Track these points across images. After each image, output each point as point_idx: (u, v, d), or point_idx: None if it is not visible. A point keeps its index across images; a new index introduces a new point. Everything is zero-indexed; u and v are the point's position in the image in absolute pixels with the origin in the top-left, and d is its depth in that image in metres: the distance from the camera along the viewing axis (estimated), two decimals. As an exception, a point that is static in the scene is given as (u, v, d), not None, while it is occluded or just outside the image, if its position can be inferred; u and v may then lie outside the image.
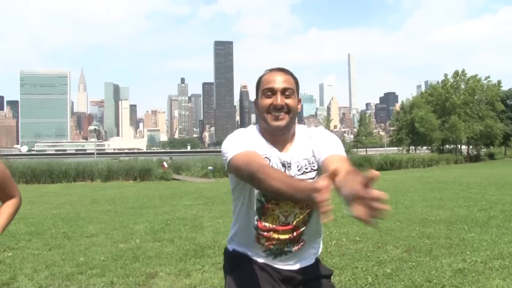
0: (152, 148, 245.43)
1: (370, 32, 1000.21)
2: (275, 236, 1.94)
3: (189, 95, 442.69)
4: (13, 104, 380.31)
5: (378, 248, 5.72)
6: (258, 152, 1.81)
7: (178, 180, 26.10)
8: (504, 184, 15.53)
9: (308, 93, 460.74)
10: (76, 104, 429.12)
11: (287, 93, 1.87)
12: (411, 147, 57.23)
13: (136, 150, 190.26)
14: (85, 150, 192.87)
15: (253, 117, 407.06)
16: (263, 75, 1.96)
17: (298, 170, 1.93)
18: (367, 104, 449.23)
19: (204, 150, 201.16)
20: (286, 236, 1.94)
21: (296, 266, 2.00)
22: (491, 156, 57.68)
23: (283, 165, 1.92)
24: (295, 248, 1.97)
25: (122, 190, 18.64)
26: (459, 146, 57.79)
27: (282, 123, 1.86)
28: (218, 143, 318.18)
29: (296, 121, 1.99)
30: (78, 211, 10.92)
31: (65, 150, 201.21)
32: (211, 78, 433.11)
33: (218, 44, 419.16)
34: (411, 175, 25.57)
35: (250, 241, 1.97)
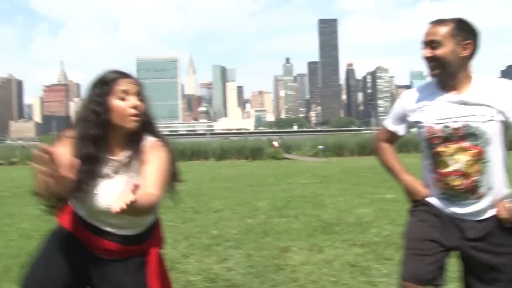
0: (259, 128, 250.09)
1: (487, 1, 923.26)
2: (448, 182, 2.04)
3: (294, 74, 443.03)
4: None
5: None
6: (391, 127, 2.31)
7: (289, 159, 26.40)
8: None
9: (417, 69, 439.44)
10: (186, 87, 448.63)
11: (433, 45, 2.01)
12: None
13: (244, 130, 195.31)
14: (196, 130, 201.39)
15: (360, 95, 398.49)
16: None
17: (473, 112, 1.99)
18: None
19: (311, 129, 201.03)
20: (458, 183, 2.01)
21: (473, 217, 2.07)
22: None
23: (456, 102, 2.03)
24: (471, 199, 2.03)
25: (236, 168, 19.26)
26: None
27: (434, 72, 2.04)
28: (325, 122, 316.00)
29: (469, 68, 2.06)
30: (200, 187, 11.48)
31: (178, 131, 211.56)
32: (316, 57, 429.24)
33: (322, 22, 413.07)
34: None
35: (430, 183, 2.16)
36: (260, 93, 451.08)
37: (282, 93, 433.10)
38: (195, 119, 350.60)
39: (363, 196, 8.73)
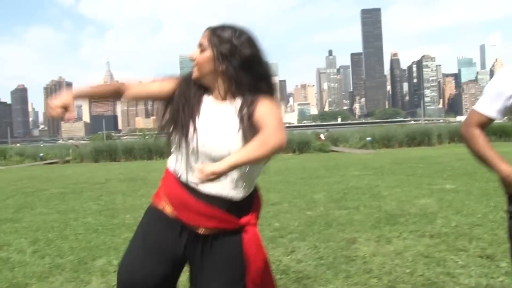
0: (302, 122, 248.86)
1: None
2: None
3: (337, 67, 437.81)
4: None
5: None
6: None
7: (336, 151, 26.14)
8: None
9: (466, 56, 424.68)
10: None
11: None
12: None
13: (287, 124, 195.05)
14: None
15: (405, 86, 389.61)
16: None
17: None
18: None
19: (355, 122, 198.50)
20: None
21: None
22: None
23: None
24: None
25: (284, 162, 19.17)
26: None
27: None
28: (369, 114, 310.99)
29: None
30: (252, 181, 11.48)
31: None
32: (359, 48, 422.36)
33: (365, 12, 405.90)
34: None
35: None
36: (303, 86, 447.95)
37: (325, 86, 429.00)
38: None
39: (421, 187, 8.51)
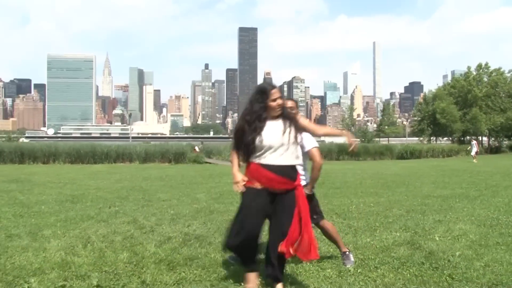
0: (175, 133, 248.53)
1: (399, 20, 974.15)
2: None
3: (212, 81, 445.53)
4: (40, 87, 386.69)
5: (386, 210, 7.81)
6: None
7: (210, 163, 28.28)
8: (510, 173, 17.29)
9: (332, 81, 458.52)
10: (101, 88, 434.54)
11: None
12: (431, 138, 58.54)
13: (159, 135, 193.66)
14: (109, 133, 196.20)
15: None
16: None
17: None
18: (392, 93, 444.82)
19: (227, 136, 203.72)
20: None
21: None
22: (512, 148, 58.38)
23: None
24: None
25: (163, 170, 20.76)
26: (480, 137, 58.81)
27: None
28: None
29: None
30: (138, 185, 12.96)
31: (90, 133, 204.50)
32: (235, 64, 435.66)
33: (242, 30, 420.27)
34: (429, 163, 27.35)
35: None
36: (178, 97, 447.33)
37: (199, 98, 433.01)
38: (110, 122, 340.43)
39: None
